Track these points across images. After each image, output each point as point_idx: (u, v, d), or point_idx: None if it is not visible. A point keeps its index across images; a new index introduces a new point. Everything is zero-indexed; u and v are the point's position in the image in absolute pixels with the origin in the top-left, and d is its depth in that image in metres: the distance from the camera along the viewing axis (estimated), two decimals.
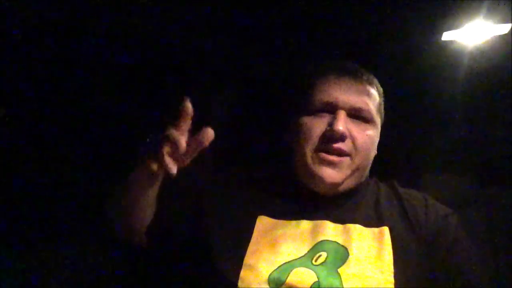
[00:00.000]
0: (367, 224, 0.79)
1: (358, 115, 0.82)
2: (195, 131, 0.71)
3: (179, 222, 0.86)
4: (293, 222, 0.81)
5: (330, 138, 0.80)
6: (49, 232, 1.17)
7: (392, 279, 0.71)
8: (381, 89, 0.89)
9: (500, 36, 1.29)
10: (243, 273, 0.74)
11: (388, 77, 1.41)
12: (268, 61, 1.37)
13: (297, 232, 0.79)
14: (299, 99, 0.89)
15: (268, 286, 0.72)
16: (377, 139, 0.87)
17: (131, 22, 1.26)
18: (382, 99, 0.90)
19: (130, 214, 0.81)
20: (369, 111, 0.83)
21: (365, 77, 0.85)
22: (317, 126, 0.82)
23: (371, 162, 0.88)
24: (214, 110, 1.37)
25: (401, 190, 0.87)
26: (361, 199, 0.85)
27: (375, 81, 0.88)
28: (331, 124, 0.80)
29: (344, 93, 0.82)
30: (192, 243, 0.84)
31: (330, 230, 0.78)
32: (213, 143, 0.70)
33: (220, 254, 0.79)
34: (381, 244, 0.76)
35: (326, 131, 0.80)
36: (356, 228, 0.78)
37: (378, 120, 0.87)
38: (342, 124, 0.79)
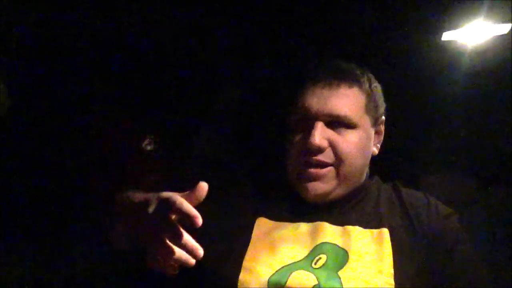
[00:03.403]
0: (367, 225, 0.79)
1: (338, 122, 0.79)
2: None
3: None
4: (292, 225, 0.80)
5: (308, 151, 0.79)
6: (47, 233, 1.17)
7: (392, 281, 0.71)
8: (368, 86, 0.84)
9: (500, 36, 1.29)
10: (242, 276, 0.74)
11: (388, 77, 1.41)
12: (269, 66, 1.36)
13: (296, 235, 0.78)
14: (283, 111, 0.88)
15: None
16: (367, 142, 0.83)
17: (133, 23, 1.26)
18: (375, 95, 0.85)
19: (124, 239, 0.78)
20: (349, 117, 0.79)
21: (346, 79, 0.81)
22: (297, 140, 0.81)
23: (363, 166, 0.85)
24: (215, 114, 1.37)
25: (403, 190, 0.86)
26: (361, 201, 0.85)
27: (362, 78, 0.83)
28: (307, 137, 0.78)
29: (319, 103, 0.79)
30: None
31: (329, 232, 0.78)
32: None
33: (219, 257, 0.78)
34: (381, 245, 0.75)
35: (303, 144, 0.79)
36: (355, 230, 0.78)
37: (366, 121, 0.82)
38: (318, 136, 0.77)
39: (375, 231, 0.77)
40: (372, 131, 0.85)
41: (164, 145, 1.43)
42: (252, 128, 1.34)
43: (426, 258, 0.75)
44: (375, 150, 0.88)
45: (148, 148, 1.44)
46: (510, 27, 1.27)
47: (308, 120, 0.80)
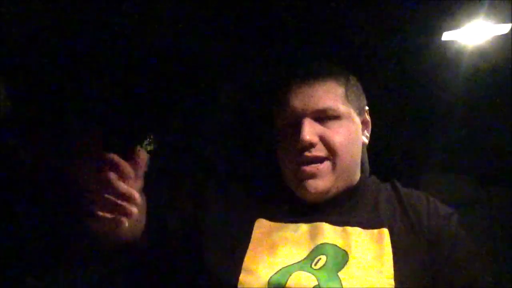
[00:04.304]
0: (366, 226, 0.79)
1: (324, 116, 0.81)
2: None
3: (177, 228, 0.86)
4: (292, 225, 0.80)
5: (301, 149, 0.80)
6: (47, 232, 1.17)
7: (392, 282, 0.71)
8: (344, 78, 0.86)
9: (500, 36, 1.29)
10: (242, 277, 0.74)
11: (388, 77, 1.41)
12: (264, 68, 1.36)
13: (295, 236, 0.79)
14: (272, 115, 0.90)
15: None
16: (355, 131, 0.85)
17: (133, 23, 1.26)
18: (353, 86, 0.87)
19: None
20: (333, 108, 0.81)
21: (320, 74, 0.84)
22: (289, 141, 0.83)
23: (356, 157, 0.86)
24: (213, 115, 1.37)
25: (402, 190, 0.86)
26: (360, 200, 0.85)
27: (337, 72, 0.86)
28: (297, 136, 0.80)
29: (301, 101, 0.81)
30: (191, 248, 0.84)
31: (329, 233, 0.78)
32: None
33: (219, 258, 0.79)
34: (381, 246, 0.75)
35: (295, 144, 0.80)
36: (355, 231, 0.78)
37: (350, 111, 0.84)
38: (307, 132, 0.79)
39: (375, 231, 0.77)
40: (358, 121, 0.87)
41: (164, 145, 1.43)
42: (250, 130, 1.35)
43: (426, 258, 0.75)
44: (365, 139, 0.90)
45: (148, 148, 1.44)
46: (510, 27, 1.27)
47: (295, 121, 0.82)
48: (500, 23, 1.27)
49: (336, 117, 0.82)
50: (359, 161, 0.88)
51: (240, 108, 1.39)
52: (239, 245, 0.79)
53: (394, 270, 0.72)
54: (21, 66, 1.20)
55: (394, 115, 1.45)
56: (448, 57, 1.36)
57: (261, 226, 0.81)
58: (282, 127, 0.85)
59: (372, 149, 0.98)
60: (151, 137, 1.41)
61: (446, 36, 1.34)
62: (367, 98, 0.92)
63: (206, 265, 0.79)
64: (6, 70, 1.16)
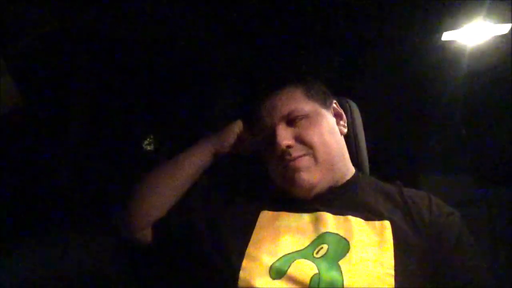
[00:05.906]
0: (368, 217, 0.80)
1: (292, 118, 0.86)
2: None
3: (185, 218, 0.88)
4: (295, 215, 0.82)
5: (281, 153, 0.84)
6: (50, 229, 1.18)
7: (392, 272, 0.71)
8: (303, 79, 0.92)
9: (500, 36, 1.29)
10: (245, 263, 0.75)
11: (389, 77, 1.42)
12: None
13: (299, 225, 0.80)
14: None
15: (269, 276, 0.72)
16: (326, 124, 0.88)
17: (133, 22, 1.26)
18: (313, 84, 0.92)
19: (158, 196, 0.88)
20: (297, 109, 0.86)
21: (279, 82, 0.90)
22: (269, 150, 0.87)
23: (338, 148, 0.89)
24: (213, 112, 1.37)
25: (405, 189, 0.87)
26: (360, 194, 0.86)
27: (290, 75, 0.93)
28: (274, 143, 0.84)
29: (268, 111, 0.88)
30: (195, 235, 0.86)
31: (331, 222, 0.79)
32: None
33: (223, 245, 0.80)
34: (382, 237, 0.76)
35: (275, 150, 0.84)
36: (357, 221, 0.79)
37: (315, 106, 0.89)
38: (281, 137, 0.84)
39: (376, 223, 0.78)
40: (327, 113, 0.90)
41: (164, 144, 1.44)
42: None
43: (427, 254, 0.75)
44: (342, 129, 0.93)
45: (148, 148, 1.44)
46: (510, 27, 1.27)
47: (269, 130, 0.87)
48: (500, 23, 1.27)
49: (304, 116, 0.86)
50: (343, 151, 0.91)
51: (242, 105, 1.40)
52: (243, 233, 0.81)
53: (395, 262, 0.72)
54: (34, 65, 1.20)
55: (394, 115, 1.45)
56: (448, 57, 1.36)
57: (265, 216, 0.84)
58: (262, 139, 0.89)
59: (373, 149, 0.98)
60: (151, 137, 1.42)
61: (446, 36, 1.34)
62: (368, 97, 0.93)
63: (211, 251, 0.81)
64: (19, 69, 1.17)
